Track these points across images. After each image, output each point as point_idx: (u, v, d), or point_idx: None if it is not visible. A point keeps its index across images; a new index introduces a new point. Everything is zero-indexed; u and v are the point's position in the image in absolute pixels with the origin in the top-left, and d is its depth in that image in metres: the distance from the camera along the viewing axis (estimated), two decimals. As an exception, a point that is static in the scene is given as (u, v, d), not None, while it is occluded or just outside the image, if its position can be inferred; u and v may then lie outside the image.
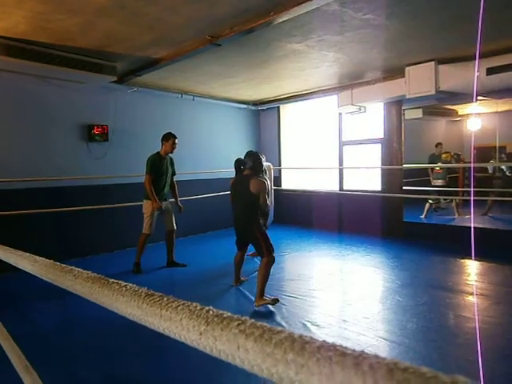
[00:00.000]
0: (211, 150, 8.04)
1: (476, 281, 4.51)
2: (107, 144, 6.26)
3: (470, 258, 5.23)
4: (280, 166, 8.90)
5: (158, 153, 5.16)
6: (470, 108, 9.06)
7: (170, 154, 5.27)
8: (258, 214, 4.00)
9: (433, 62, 5.43)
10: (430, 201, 8.04)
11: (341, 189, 7.80)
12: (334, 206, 7.68)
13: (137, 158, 6.68)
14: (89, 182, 6.04)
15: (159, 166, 5.09)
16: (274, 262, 3.90)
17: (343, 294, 4.28)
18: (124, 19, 3.86)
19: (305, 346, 0.36)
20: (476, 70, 5.01)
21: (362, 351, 0.34)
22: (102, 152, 6.24)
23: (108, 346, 3.13)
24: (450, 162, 8.32)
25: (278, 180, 8.74)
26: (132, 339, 3.15)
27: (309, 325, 3.40)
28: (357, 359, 0.32)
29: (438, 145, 8.67)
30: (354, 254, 5.95)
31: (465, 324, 3.36)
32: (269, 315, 3.64)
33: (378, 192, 7.09)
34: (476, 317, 3.44)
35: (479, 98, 6.18)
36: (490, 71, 5.02)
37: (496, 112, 9.06)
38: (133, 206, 5.88)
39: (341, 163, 7.79)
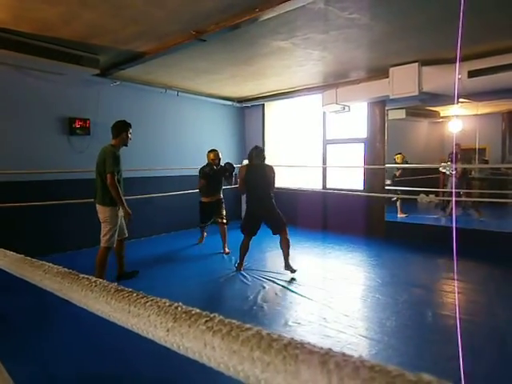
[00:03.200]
0: (195, 146, 7.98)
1: (455, 279, 4.59)
2: (89, 138, 6.15)
3: (450, 257, 5.31)
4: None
5: (113, 146, 4.23)
6: (452, 110, 9.20)
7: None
8: None
9: (416, 64, 5.49)
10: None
11: (324, 187, 7.84)
12: (318, 205, 7.72)
13: (120, 152, 6.59)
14: (70, 176, 5.91)
15: (119, 162, 4.20)
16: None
17: (324, 291, 4.29)
18: (108, 11, 3.79)
19: (272, 344, 0.35)
20: (457, 72, 5.09)
21: (330, 349, 0.33)
22: (84, 146, 6.13)
23: (85, 342, 3.08)
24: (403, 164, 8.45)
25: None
26: (111, 335, 3.10)
27: (290, 322, 3.41)
28: (323, 357, 0.31)
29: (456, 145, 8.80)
30: (335, 252, 6.00)
31: (443, 322, 3.42)
32: (250, 313, 3.63)
33: (361, 191, 7.15)
34: (455, 315, 3.49)
35: (461, 100, 6.28)
36: (472, 74, 5.10)
37: (476, 114, 9.22)
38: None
39: (324, 162, 7.83)
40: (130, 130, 4.35)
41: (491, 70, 4.97)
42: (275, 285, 4.41)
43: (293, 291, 4.22)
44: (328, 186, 7.80)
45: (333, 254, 5.92)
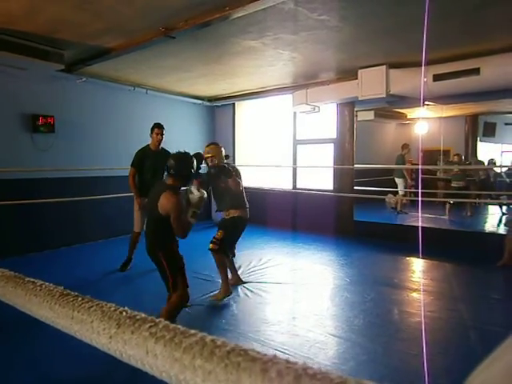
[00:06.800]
0: (164, 146, 7.86)
1: (420, 277, 4.71)
2: (53, 135, 5.95)
3: (417, 256, 5.45)
4: (234, 163, 8.85)
5: (147, 145, 4.96)
6: (418, 112, 9.44)
7: (164, 148, 5.00)
8: (170, 236, 2.97)
9: (384, 66, 5.59)
10: (451, 201, 8.23)
11: (294, 187, 7.88)
12: (288, 205, 7.75)
13: (86, 151, 6.41)
14: (34, 175, 5.71)
15: (146, 159, 4.81)
16: (187, 301, 3.07)
17: (293, 291, 4.31)
18: (74, 5, 3.66)
19: (214, 351, 0.33)
20: (423, 75, 5.22)
21: (274, 356, 0.31)
22: (48, 144, 5.92)
23: (42, 348, 2.97)
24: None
25: (232, 177, 8.70)
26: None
27: (259, 322, 3.40)
28: (266, 365, 0.29)
29: (405, 146, 8.99)
30: (305, 251, 6.03)
31: (409, 319, 3.49)
32: (219, 312, 3.60)
33: (330, 191, 7.23)
34: (420, 312, 3.58)
35: (426, 102, 6.45)
36: (437, 78, 5.24)
37: (441, 117, 9.50)
38: (86, 201, 5.72)
39: (294, 162, 7.87)
40: (157, 130, 4.96)
41: (454, 75, 5.12)
42: (244, 285, 4.39)
43: (262, 291, 4.21)
44: (298, 186, 7.84)
45: (302, 253, 5.95)
